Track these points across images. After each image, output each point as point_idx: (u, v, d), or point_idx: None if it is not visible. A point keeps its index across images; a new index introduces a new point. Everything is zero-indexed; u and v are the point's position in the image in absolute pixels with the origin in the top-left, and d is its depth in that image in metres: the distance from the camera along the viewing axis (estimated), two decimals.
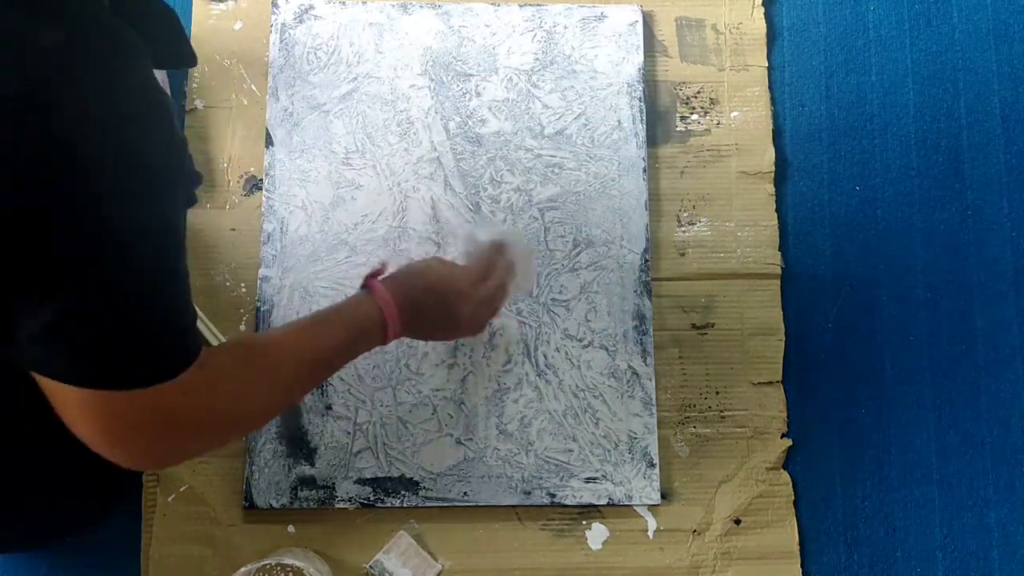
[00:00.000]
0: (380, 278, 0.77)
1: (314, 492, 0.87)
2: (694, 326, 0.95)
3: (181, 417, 0.58)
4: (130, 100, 0.52)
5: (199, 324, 0.90)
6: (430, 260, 0.83)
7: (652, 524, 0.89)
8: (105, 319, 0.52)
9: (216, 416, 0.61)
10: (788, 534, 0.90)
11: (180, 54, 0.68)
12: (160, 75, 0.95)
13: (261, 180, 0.95)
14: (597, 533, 0.89)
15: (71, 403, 0.56)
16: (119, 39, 0.53)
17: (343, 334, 0.72)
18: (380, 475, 0.88)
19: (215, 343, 0.90)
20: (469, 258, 0.85)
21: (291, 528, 0.87)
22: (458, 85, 0.98)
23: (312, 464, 0.88)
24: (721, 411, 0.93)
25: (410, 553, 0.86)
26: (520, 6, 1.00)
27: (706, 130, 1.00)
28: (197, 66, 0.75)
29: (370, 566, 0.85)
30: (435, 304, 0.78)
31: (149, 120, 0.53)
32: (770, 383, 0.93)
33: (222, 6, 1.00)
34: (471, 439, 0.89)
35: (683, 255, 0.96)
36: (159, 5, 0.66)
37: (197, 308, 0.89)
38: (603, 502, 0.88)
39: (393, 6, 1.00)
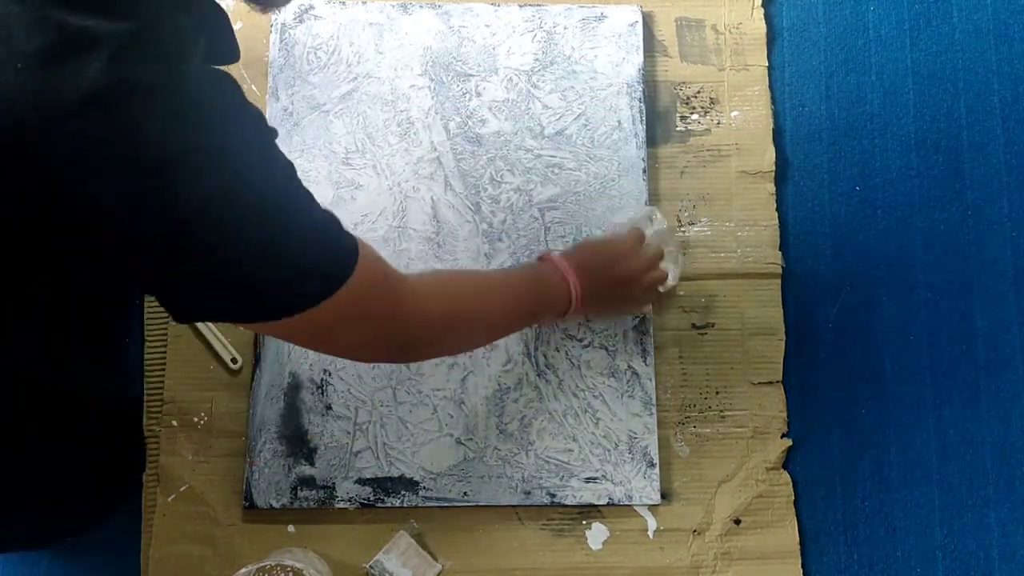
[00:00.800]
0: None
1: (314, 492, 0.87)
2: (694, 326, 0.95)
3: (371, 307, 0.63)
4: (205, 70, 0.56)
5: (203, 328, 0.90)
6: (598, 238, 0.92)
7: (652, 524, 0.89)
8: (249, 254, 0.54)
9: (394, 319, 0.66)
10: (788, 534, 0.90)
11: (230, 49, 0.70)
12: None
13: None
14: (597, 533, 0.89)
15: (294, 336, 0.62)
16: (183, 30, 0.55)
17: (533, 292, 0.80)
18: (380, 475, 0.88)
19: (217, 345, 0.90)
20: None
21: (291, 528, 0.87)
22: (458, 85, 0.98)
23: (312, 464, 0.88)
24: (721, 411, 0.93)
25: (410, 553, 0.86)
26: (520, 6, 1.00)
27: (706, 130, 1.00)
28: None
29: (370, 566, 0.85)
30: (605, 265, 0.85)
31: (228, 80, 0.57)
32: (770, 383, 0.93)
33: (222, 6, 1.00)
34: (471, 439, 0.89)
35: (683, 255, 0.96)
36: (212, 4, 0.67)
37: (211, 325, 0.90)
38: (603, 502, 0.88)
39: (393, 6, 1.00)
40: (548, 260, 0.83)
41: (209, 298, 0.57)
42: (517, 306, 0.79)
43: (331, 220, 0.60)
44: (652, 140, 0.99)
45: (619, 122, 0.98)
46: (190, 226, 0.51)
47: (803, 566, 0.90)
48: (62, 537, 0.86)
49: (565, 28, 1.00)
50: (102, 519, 0.85)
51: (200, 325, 0.90)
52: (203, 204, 0.51)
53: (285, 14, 0.99)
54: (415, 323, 0.68)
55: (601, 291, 0.84)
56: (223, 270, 0.54)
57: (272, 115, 0.96)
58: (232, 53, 0.69)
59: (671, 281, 0.92)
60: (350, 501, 0.87)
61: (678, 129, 1.00)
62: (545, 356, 0.91)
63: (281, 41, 0.98)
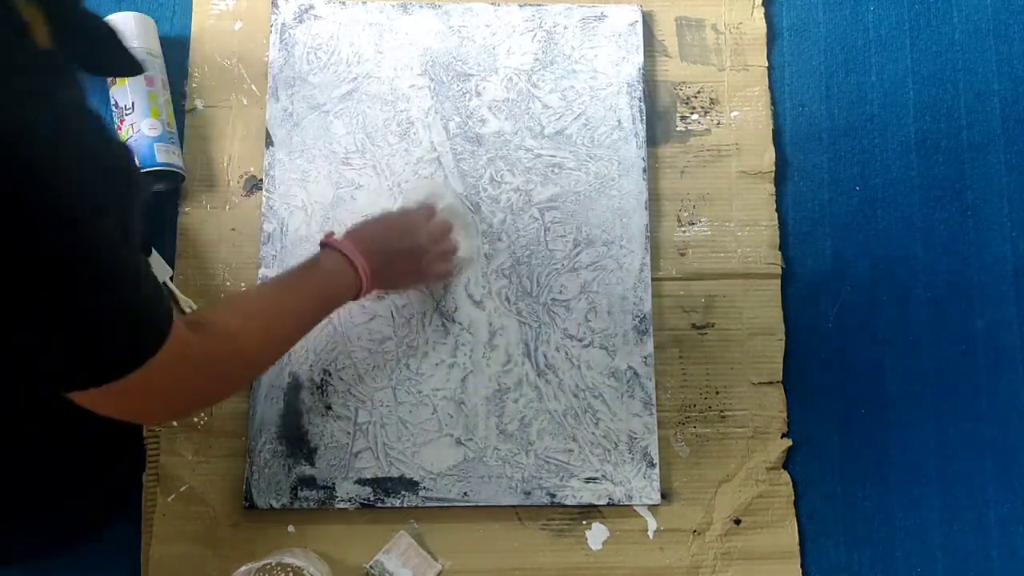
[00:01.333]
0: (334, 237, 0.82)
1: (314, 492, 0.87)
2: (694, 326, 0.95)
3: (181, 376, 0.61)
4: (76, 113, 0.54)
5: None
6: (385, 212, 0.90)
7: (652, 524, 0.89)
8: (75, 324, 0.53)
9: (216, 364, 0.65)
10: (788, 534, 0.90)
11: (122, 63, 0.70)
12: (160, 76, 0.95)
13: (261, 180, 0.95)
14: (597, 533, 0.89)
15: (84, 401, 0.58)
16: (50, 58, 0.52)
17: (324, 283, 0.78)
18: (380, 475, 0.88)
19: None
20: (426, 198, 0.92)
21: (291, 528, 0.87)
22: (458, 85, 0.98)
23: (312, 464, 0.88)
24: (721, 411, 0.93)
25: (410, 553, 0.86)
26: (520, 6, 1.00)
27: (706, 130, 1.00)
28: (140, 72, 0.77)
29: (370, 566, 0.85)
30: (391, 239, 0.84)
31: (98, 126, 0.56)
32: (770, 383, 0.93)
33: (221, 6, 1.00)
34: (471, 439, 0.89)
35: (683, 255, 0.96)
36: (94, 20, 0.66)
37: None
38: (603, 502, 0.88)
39: (393, 6, 1.00)
40: (331, 244, 0.80)
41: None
42: (314, 303, 0.78)
43: (152, 293, 0.58)
44: (652, 140, 0.98)
45: (619, 122, 0.97)
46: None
47: (803, 566, 0.90)
48: (61, 546, 0.85)
49: (565, 28, 1.00)
50: (102, 527, 0.85)
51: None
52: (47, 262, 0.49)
53: (285, 14, 0.99)
54: (236, 367, 0.69)
55: (390, 266, 0.83)
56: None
57: (272, 115, 0.96)
58: (129, 67, 0.69)
59: (463, 253, 0.92)
60: (350, 501, 0.87)
61: (678, 129, 1.00)
62: (545, 356, 0.91)
63: (281, 41, 0.98)
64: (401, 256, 0.85)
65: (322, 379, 0.90)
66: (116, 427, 0.88)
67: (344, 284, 0.79)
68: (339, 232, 0.83)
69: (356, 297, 0.81)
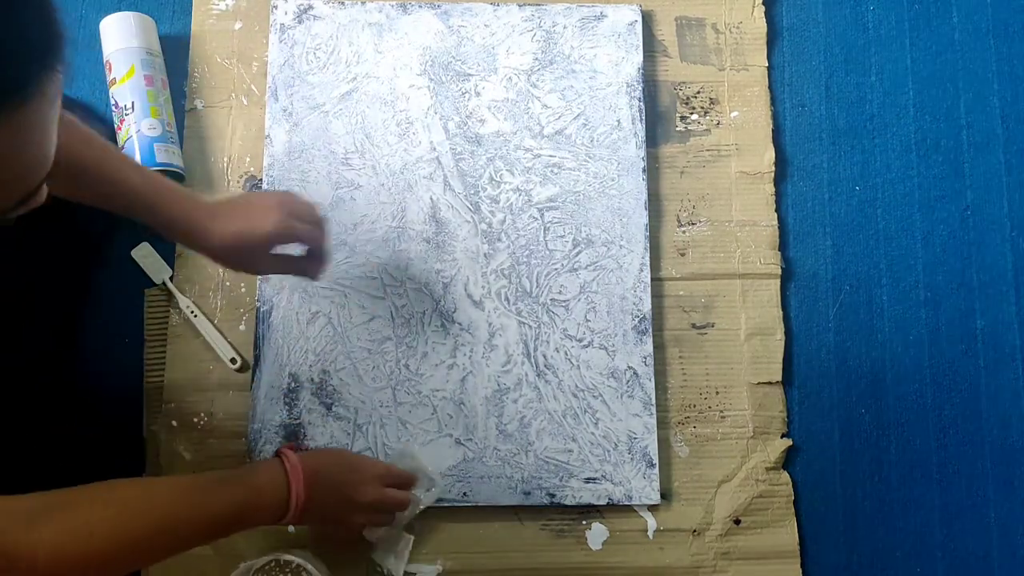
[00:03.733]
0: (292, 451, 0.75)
1: None
2: (694, 326, 0.95)
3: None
4: None
5: (203, 327, 0.90)
6: (345, 451, 0.86)
7: (652, 524, 0.89)
8: None
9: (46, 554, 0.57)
10: (788, 534, 0.90)
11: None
12: (160, 76, 0.95)
13: (261, 180, 0.95)
14: (597, 533, 0.89)
15: None
16: None
17: (233, 497, 0.68)
18: None
19: (217, 345, 0.90)
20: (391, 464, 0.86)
21: (291, 528, 0.87)
22: (457, 85, 0.98)
23: None
24: (721, 411, 0.93)
25: (408, 553, 0.86)
26: (519, 6, 1.00)
27: (706, 130, 1.00)
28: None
29: (370, 565, 0.85)
30: (341, 481, 0.77)
31: None
32: (770, 383, 0.93)
33: (221, 6, 1.00)
34: (471, 439, 0.89)
35: (683, 255, 0.96)
36: None
37: (211, 325, 0.89)
38: (603, 502, 0.88)
39: (392, 6, 1.00)
40: (282, 457, 0.74)
41: None
42: (207, 526, 0.67)
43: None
44: (652, 140, 0.98)
45: (619, 122, 0.97)
46: None
47: (803, 566, 0.90)
48: None
49: (564, 27, 1.00)
50: None
51: (200, 325, 0.90)
52: None
53: (284, 14, 0.99)
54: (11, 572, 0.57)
55: (321, 508, 0.75)
56: None
57: (272, 115, 0.96)
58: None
59: (406, 514, 0.84)
60: None
61: (678, 129, 1.00)
62: (545, 356, 0.91)
63: (280, 41, 0.98)
64: (339, 505, 0.78)
65: (322, 379, 0.90)
66: (116, 427, 0.88)
67: (269, 505, 0.71)
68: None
69: (273, 522, 0.72)
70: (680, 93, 1.01)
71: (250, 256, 0.77)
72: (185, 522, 0.65)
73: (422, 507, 0.86)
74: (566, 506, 0.88)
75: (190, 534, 0.66)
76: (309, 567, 0.80)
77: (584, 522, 0.89)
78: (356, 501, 0.78)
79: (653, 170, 0.98)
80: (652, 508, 0.89)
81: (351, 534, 0.84)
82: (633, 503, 0.89)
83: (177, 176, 0.93)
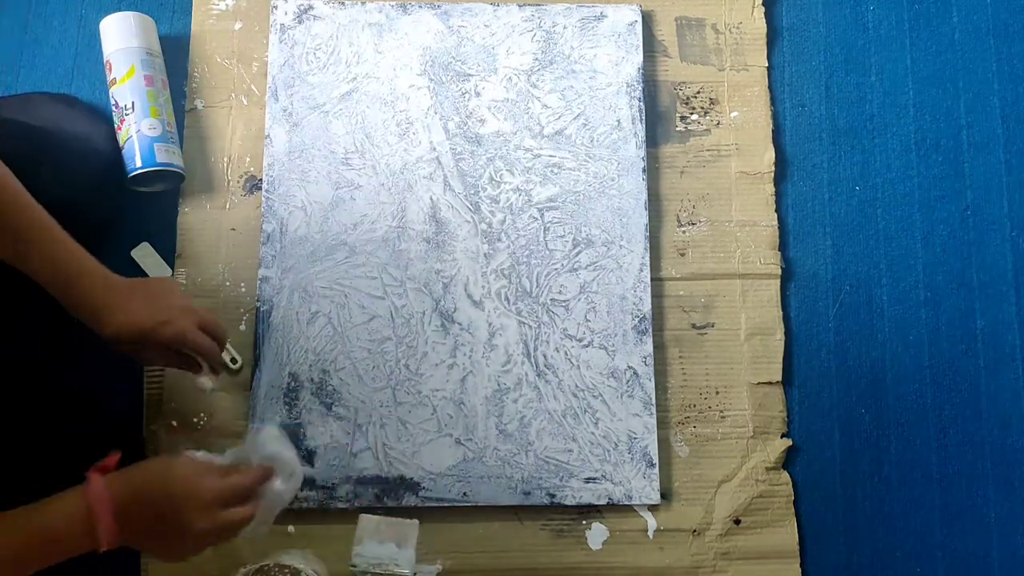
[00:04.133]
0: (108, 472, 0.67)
1: (314, 492, 0.87)
2: (694, 326, 0.95)
3: None
4: None
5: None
6: (179, 459, 0.71)
7: (652, 524, 0.89)
8: None
9: None
10: (788, 534, 0.90)
11: None
12: (160, 76, 0.95)
13: (261, 180, 0.95)
14: (597, 533, 0.89)
15: None
16: None
17: (19, 532, 0.62)
18: (380, 475, 0.88)
19: (225, 355, 0.89)
20: (237, 461, 0.74)
21: (291, 528, 0.87)
22: (457, 85, 0.98)
23: (312, 464, 0.88)
24: (721, 411, 0.93)
25: (383, 529, 0.83)
26: (519, 6, 1.00)
27: (706, 130, 1.00)
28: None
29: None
30: (164, 512, 0.67)
31: None
32: (770, 383, 0.93)
33: (221, 6, 1.00)
34: (471, 439, 0.89)
35: (683, 255, 0.96)
36: None
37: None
38: (603, 502, 0.88)
39: (392, 6, 1.00)
40: (89, 481, 0.66)
41: None
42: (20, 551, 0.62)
43: None
44: (652, 140, 0.98)
45: (618, 122, 0.97)
46: None
47: (803, 566, 0.90)
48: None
49: (564, 28, 1.00)
50: None
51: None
52: None
53: (284, 14, 0.99)
54: None
55: (146, 532, 0.67)
56: None
57: (272, 115, 0.96)
58: None
59: (260, 517, 0.72)
60: (350, 502, 0.87)
61: (678, 129, 1.00)
62: (544, 356, 0.91)
63: (280, 41, 0.98)
64: (166, 536, 0.69)
65: (321, 379, 0.90)
66: (116, 427, 0.88)
67: (68, 539, 0.64)
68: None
69: (84, 552, 0.65)
70: (680, 93, 1.01)
71: (143, 351, 0.76)
72: None
73: (288, 499, 0.74)
74: (566, 506, 0.88)
75: None
76: (308, 569, 0.79)
77: (584, 522, 0.89)
78: (186, 531, 0.67)
79: (653, 170, 0.98)
80: (652, 508, 0.89)
81: (189, 555, 0.71)
82: (633, 503, 0.89)
83: (178, 176, 0.93)
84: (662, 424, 0.91)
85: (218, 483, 0.69)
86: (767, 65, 1.02)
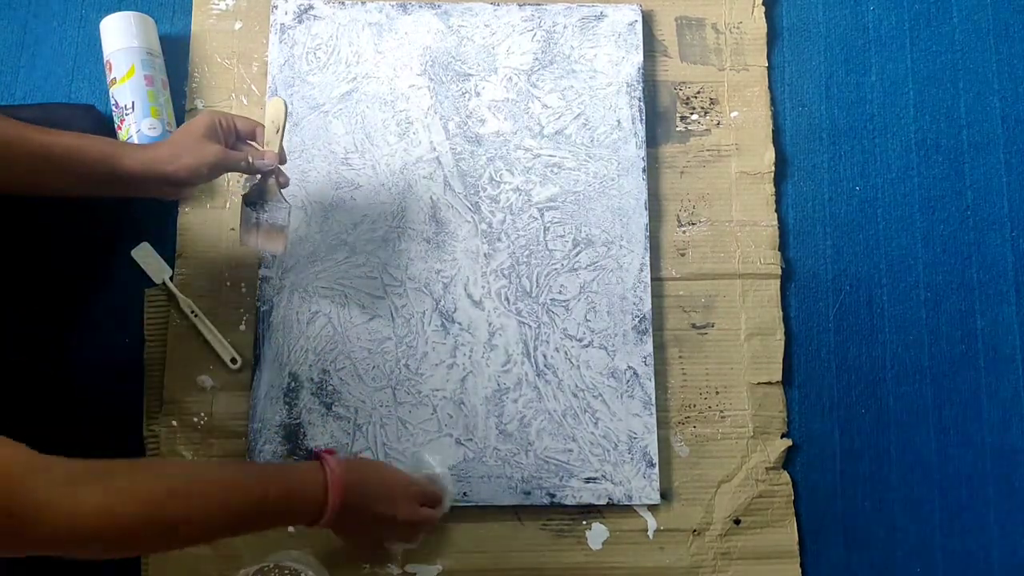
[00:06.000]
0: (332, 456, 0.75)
1: None
2: (694, 326, 0.95)
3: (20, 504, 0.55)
4: None
5: (203, 327, 0.90)
6: (383, 464, 0.85)
7: (652, 524, 0.89)
8: None
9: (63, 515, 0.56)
10: (788, 534, 0.90)
11: None
12: (160, 76, 0.95)
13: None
14: (597, 533, 0.89)
15: None
16: None
17: (275, 489, 0.68)
18: None
19: (216, 345, 0.90)
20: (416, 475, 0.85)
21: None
22: (457, 85, 0.98)
23: None
24: (721, 411, 0.93)
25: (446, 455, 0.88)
26: (519, 6, 1.00)
27: (706, 130, 1.00)
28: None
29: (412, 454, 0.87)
30: (379, 496, 0.77)
31: None
32: (770, 383, 0.93)
33: (221, 6, 1.00)
34: (471, 439, 0.89)
35: (683, 255, 0.96)
36: None
37: (211, 325, 0.89)
38: (603, 502, 0.88)
39: (392, 6, 1.00)
40: (322, 460, 0.74)
41: None
42: (249, 514, 0.67)
43: None
44: (652, 140, 0.98)
45: (619, 121, 0.97)
46: None
47: (802, 566, 0.90)
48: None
49: (564, 27, 1.00)
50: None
51: (200, 325, 0.90)
52: None
53: (284, 14, 0.99)
54: (45, 527, 0.56)
55: (361, 514, 0.76)
56: None
57: None
58: None
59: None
60: None
61: (678, 129, 1.00)
62: (544, 356, 0.91)
63: (280, 41, 0.98)
64: (374, 520, 0.77)
65: (322, 379, 0.90)
66: (116, 427, 0.88)
67: (306, 506, 0.71)
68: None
69: (307, 524, 0.72)
70: (680, 93, 1.01)
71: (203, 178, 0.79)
72: (228, 506, 0.65)
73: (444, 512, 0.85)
74: (566, 506, 0.88)
75: (229, 520, 0.65)
76: (308, 571, 0.79)
77: (584, 522, 0.89)
78: (391, 518, 0.78)
79: (653, 170, 0.98)
80: (652, 508, 0.89)
81: (377, 547, 0.84)
82: (633, 503, 0.89)
83: None
84: (662, 424, 0.91)
85: (420, 485, 0.82)
86: (767, 65, 1.02)
